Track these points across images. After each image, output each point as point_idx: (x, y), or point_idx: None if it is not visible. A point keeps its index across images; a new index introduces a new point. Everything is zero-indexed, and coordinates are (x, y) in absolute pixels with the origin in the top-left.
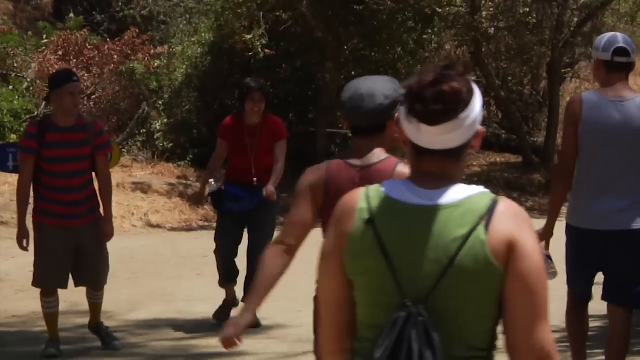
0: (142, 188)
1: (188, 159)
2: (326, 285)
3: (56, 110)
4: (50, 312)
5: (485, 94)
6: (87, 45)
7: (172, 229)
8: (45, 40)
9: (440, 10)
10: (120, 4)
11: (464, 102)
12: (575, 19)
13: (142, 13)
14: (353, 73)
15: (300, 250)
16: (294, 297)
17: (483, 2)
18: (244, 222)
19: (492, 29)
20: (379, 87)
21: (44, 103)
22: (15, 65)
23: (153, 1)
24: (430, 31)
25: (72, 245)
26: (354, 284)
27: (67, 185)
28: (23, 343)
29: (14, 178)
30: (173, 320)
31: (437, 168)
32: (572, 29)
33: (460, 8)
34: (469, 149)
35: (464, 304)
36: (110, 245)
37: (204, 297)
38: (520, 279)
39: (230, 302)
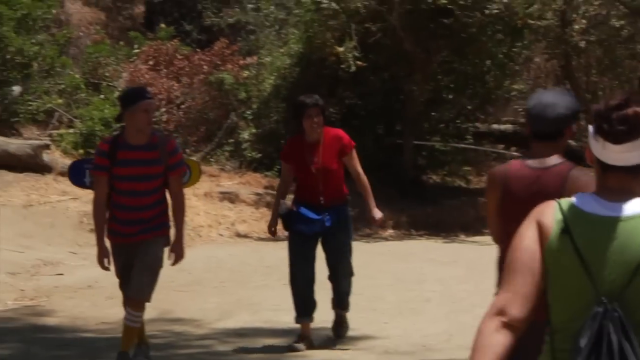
0: (230, 198)
1: (275, 169)
2: (528, 250)
3: (129, 128)
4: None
5: None
6: (178, 55)
7: (259, 239)
8: (137, 50)
9: (530, 23)
10: (209, 13)
11: None
12: None
13: (229, 21)
14: (442, 86)
15: (386, 263)
16: (381, 309)
17: (574, 15)
18: (317, 243)
19: (583, 42)
20: (560, 98)
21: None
22: (107, 74)
23: (241, 11)
24: (519, 44)
25: (131, 261)
26: (548, 282)
27: (135, 204)
28: (113, 349)
29: None
30: (260, 329)
31: (619, 183)
32: None
33: (551, 21)
34: None
35: None
36: (198, 254)
37: (290, 307)
38: None
39: (307, 339)
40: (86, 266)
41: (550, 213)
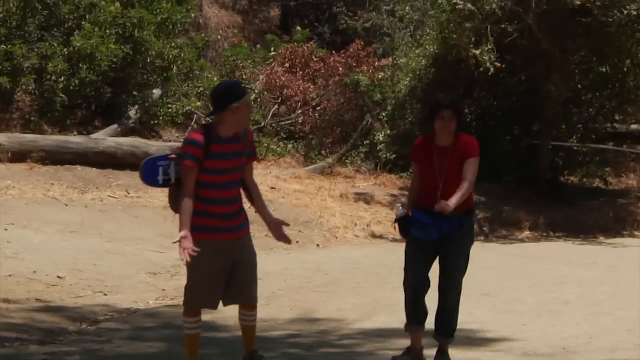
0: (365, 199)
1: (410, 170)
2: None
3: (227, 122)
4: (193, 332)
5: None
6: (313, 57)
7: (394, 240)
8: (273, 53)
9: None
10: (344, 16)
11: None
12: None
13: (364, 25)
14: (579, 86)
15: (523, 264)
16: (519, 311)
17: None
18: (435, 251)
19: None
20: None
21: (270, 114)
22: (244, 77)
23: (377, 14)
24: None
25: (229, 261)
26: None
27: (224, 197)
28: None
29: None
30: (399, 330)
31: None
32: None
33: None
34: None
35: None
36: (334, 255)
37: (428, 308)
38: None
39: (415, 352)
40: None
41: None
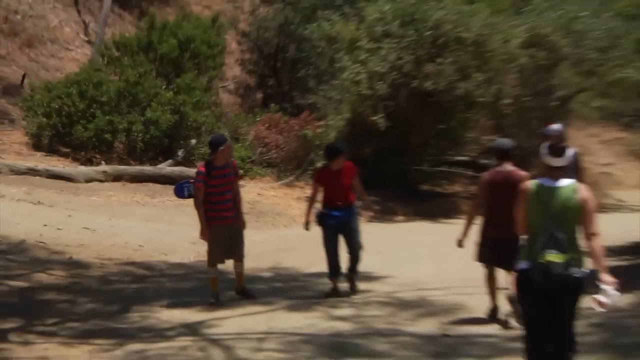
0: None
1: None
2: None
3: (218, 157)
4: (214, 276)
5: None
6: (281, 121)
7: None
8: (259, 118)
9: (479, 100)
10: (299, 99)
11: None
12: None
13: (311, 103)
14: (429, 136)
15: (400, 236)
16: (397, 261)
17: (503, 95)
18: (340, 232)
19: (507, 110)
20: (506, 141)
21: (257, 152)
22: (242, 132)
23: (316, 96)
24: (472, 112)
25: (228, 235)
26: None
27: (222, 199)
28: (248, 282)
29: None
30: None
31: (555, 174)
32: None
33: (490, 99)
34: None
35: (571, 220)
36: (294, 232)
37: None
38: (587, 210)
39: (336, 289)
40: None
41: (530, 184)
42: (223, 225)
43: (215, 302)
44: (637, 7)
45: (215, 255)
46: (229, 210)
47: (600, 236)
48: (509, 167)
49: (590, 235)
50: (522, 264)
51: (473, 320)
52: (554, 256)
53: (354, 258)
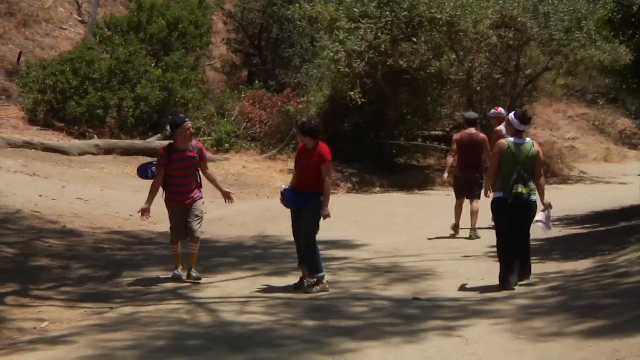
0: (293, 172)
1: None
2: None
3: (178, 140)
4: (175, 253)
5: None
6: (265, 97)
7: None
8: (243, 95)
9: (451, 77)
10: (282, 76)
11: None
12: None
13: (295, 81)
14: (404, 111)
15: (376, 206)
16: (373, 230)
17: (474, 72)
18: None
19: (479, 87)
20: (473, 114)
21: (242, 127)
22: (228, 108)
23: (300, 74)
24: (446, 88)
25: (182, 215)
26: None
27: (182, 182)
28: (233, 250)
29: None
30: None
31: (520, 134)
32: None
33: (462, 76)
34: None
35: (530, 165)
36: (276, 203)
37: (327, 228)
38: (539, 159)
39: (303, 280)
40: (219, 209)
41: (504, 141)
42: (177, 207)
43: (176, 276)
44: None
45: (175, 233)
46: (185, 193)
47: (543, 176)
48: (472, 130)
49: (539, 175)
50: (499, 194)
51: (442, 286)
52: (521, 188)
53: (301, 251)
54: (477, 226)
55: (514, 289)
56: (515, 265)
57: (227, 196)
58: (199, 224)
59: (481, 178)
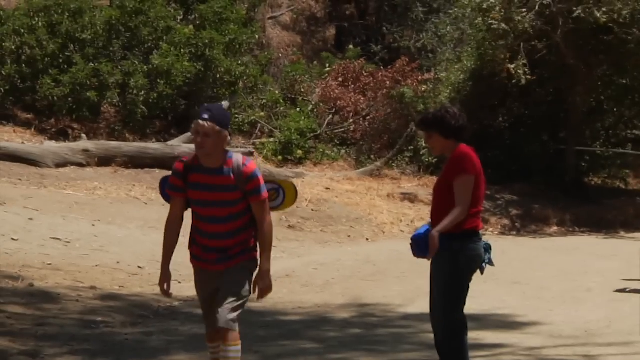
0: (410, 198)
1: None
2: None
3: (197, 148)
4: (215, 358)
5: None
6: (364, 72)
7: None
8: (328, 69)
9: None
10: (395, 36)
11: None
12: None
13: (416, 45)
14: (602, 97)
15: (551, 256)
16: (546, 298)
17: None
18: None
19: None
20: None
21: (325, 123)
22: (302, 90)
23: (425, 34)
24: None
25: (209, 286)
26: None
27: (207, 229)
28: (309, 330)
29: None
30: None
31: None
32: None
33: None
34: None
35: None
36: (382, 248)
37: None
38: None
39: None
40: (284, 258)
41: None
42: (203, 270)
43: None
44: None
45: (205, 319)
46: (212, 250)
47: None
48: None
49: None
50: None
51: None
52: None
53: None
54: None
55: None
56: None
57: (259, 283)
58: (233, 308)
59: None
